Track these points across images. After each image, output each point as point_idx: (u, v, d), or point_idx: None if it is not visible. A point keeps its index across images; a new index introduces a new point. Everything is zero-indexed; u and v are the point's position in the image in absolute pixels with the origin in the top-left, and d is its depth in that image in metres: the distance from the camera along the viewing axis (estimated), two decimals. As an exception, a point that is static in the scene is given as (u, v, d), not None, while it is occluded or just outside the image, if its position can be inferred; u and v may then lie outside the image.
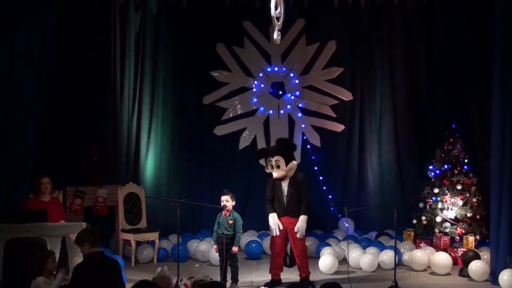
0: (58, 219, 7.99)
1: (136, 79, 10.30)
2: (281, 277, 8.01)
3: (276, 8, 7.24)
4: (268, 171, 7.99)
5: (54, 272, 6.14)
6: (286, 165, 7.78)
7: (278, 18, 7.31)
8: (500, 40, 7.91)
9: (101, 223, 9.69)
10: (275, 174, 7.87)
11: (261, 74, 10.65)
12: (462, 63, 10.13)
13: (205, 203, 10.13)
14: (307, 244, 8.74)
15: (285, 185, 7.84)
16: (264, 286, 7.86)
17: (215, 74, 10.59)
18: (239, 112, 10.67)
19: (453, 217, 9.22)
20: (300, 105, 10.68)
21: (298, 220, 7.76)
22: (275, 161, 7.83)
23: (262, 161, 10.33)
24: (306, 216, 7.74)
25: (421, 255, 8.73)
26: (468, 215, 9.20)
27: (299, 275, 7.90)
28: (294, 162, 7.90)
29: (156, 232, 9.25)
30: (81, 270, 5.50)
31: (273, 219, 7.84)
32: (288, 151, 7.92)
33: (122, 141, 10.25)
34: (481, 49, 9.84)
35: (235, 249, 7.68)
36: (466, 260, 8.42)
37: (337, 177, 10.70)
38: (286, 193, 7.84)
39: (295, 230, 7.74)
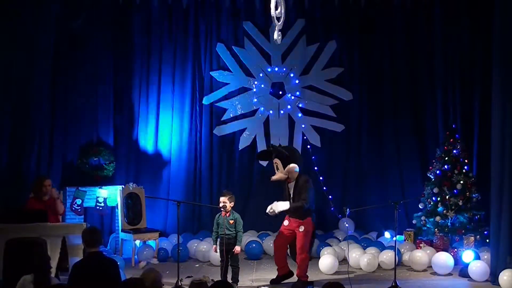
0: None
1: (135, 78, 10.31)
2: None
3: (276, 8, 7.25)
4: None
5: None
6: (284, 168, 7.83)
7: (278, 18, 7.32)
8: (500, 40, 7.91)
9: (101, 223, 9.76)
10: (273, 176, 7.98)
11: (261, 74, 10.64)
12: (462, 63, 10.13)
13: (205, 203, 10.20)
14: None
15: (291, 188, 7.94)
16: (270, 282, 7.95)
17: (215, 74, 10.59)
18: (239, 112, 10.65)
19: (453, 217, 9.22)
20: (300, 105, 10.67)
21: (302, 222, 7.77)
22: (275, 163, 7.96)
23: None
24: (289, 207, 7.75)
25: (421, 255, 8.72)
26: (468, 215, 9.20)
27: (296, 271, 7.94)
28: (292, 164, 7.86)
29: (156, 232, 9.26)
30: (78, 269, 5.57)
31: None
32: (285, 154, 7.91)
33: (122, 141, 10.25)
34: (481, 49, 9.87)
35: (237, 249, 7.71)
36: (466, 260, 8.41)
37: (337, 177, 10.68)
38: (292, 195, 7.92)
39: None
